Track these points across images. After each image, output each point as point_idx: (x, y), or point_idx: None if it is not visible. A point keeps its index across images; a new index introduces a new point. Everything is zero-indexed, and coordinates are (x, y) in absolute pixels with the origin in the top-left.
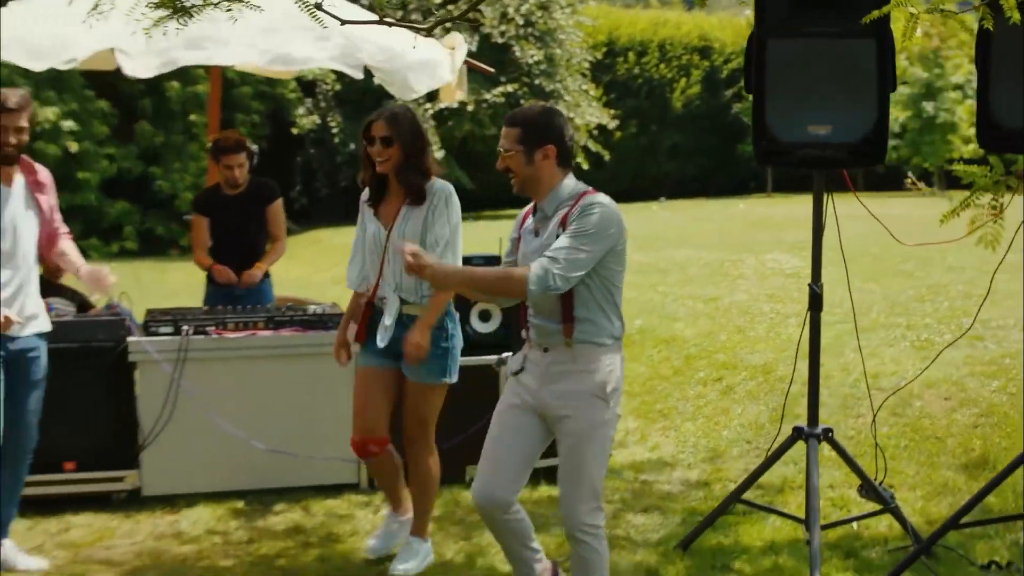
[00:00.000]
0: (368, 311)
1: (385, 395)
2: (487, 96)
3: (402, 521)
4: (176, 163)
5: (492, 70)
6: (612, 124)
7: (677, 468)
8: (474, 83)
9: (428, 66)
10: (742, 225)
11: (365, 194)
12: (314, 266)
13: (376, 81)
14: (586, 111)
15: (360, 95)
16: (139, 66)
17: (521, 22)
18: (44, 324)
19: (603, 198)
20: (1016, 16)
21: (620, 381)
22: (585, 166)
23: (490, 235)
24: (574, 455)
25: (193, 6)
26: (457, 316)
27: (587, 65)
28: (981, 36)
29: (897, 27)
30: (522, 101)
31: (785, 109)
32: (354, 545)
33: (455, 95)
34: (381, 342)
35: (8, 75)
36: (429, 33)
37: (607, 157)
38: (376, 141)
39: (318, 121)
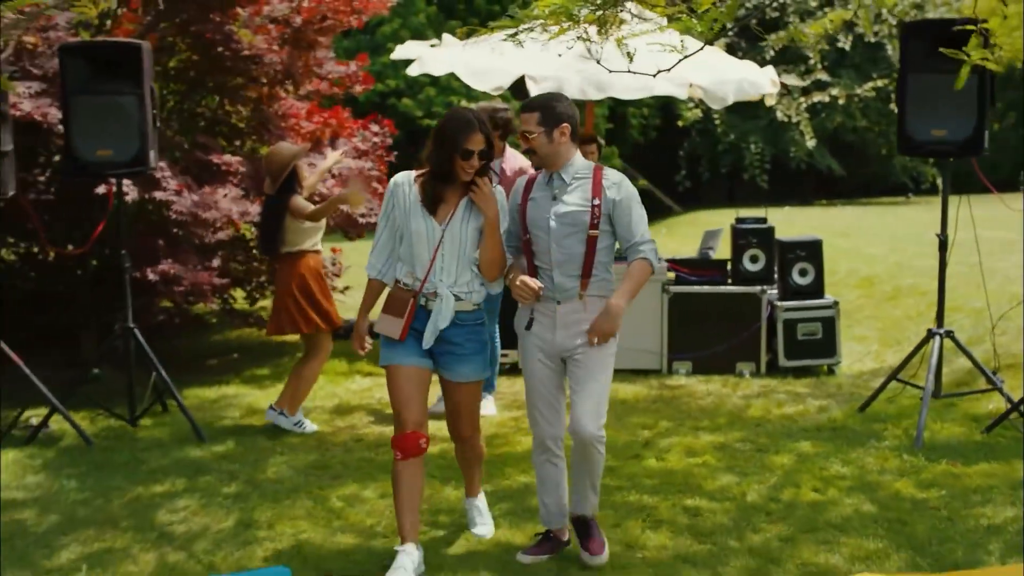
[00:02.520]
0: (414, 307)
1: (424, 392)
2: (858, 91)
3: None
4: None
5: (795, 83)
6: None
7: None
8: (847, 79)
9: (742, 81)
10: None
11: (412, 191)
12: (682, 241)
13: (690, 95)
14: None
15: None
16: (539, 91)
17: (894, 22)
18: None
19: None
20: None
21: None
22: None
23: (865, 220)
24: (587, 381)
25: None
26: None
27: None
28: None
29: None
30: (891, 95)
31: (917, 119)
32: (649, 415)
33: (769, 100)
34: (427, 344)
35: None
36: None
37: None
38: (474, 155)
39: (701, 114)
